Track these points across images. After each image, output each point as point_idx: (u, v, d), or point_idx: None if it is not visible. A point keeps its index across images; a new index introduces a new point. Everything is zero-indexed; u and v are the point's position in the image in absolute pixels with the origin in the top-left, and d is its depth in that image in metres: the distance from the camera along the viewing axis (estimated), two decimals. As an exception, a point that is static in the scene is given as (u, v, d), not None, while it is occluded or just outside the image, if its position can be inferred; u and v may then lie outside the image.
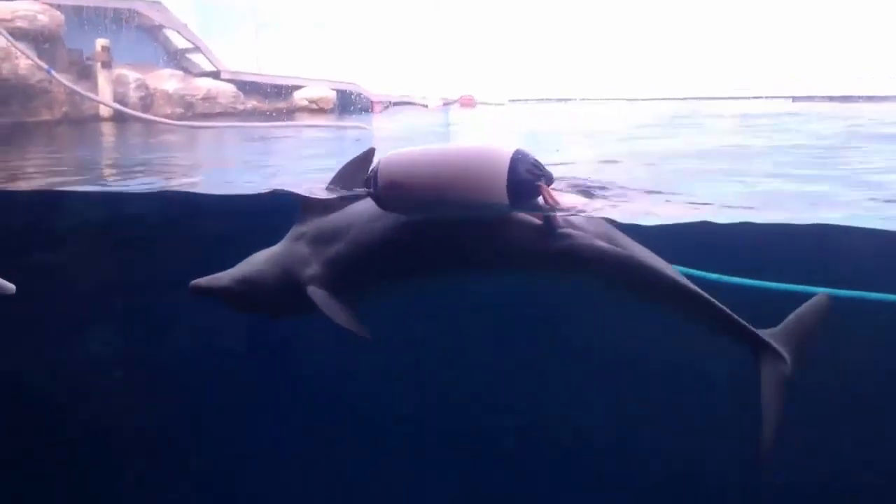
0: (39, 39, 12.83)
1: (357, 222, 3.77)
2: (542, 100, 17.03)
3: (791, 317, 3.83)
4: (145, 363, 5.81)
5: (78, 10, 13.46)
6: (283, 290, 3.81)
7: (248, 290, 3.84)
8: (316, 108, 15.08)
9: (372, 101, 15.29)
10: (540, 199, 3.37)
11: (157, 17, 15.22)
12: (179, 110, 14.05)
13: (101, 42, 13.35)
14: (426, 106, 15.20)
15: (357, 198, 3.85)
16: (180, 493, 5.61)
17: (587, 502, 5.47)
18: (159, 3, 15.05)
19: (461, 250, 3.66)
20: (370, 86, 15.28)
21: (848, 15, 13.86)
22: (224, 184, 6.53)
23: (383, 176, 3.45)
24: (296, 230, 3.94)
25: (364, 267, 3.73)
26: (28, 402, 5.56)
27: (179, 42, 15.67)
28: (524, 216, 3.60)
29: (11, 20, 12.59)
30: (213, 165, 8.62)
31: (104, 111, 13.17)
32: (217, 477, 5.70)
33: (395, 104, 15.34)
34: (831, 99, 15.37)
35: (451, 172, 3.42)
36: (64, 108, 12.99)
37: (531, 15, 15.00)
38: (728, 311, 3.70)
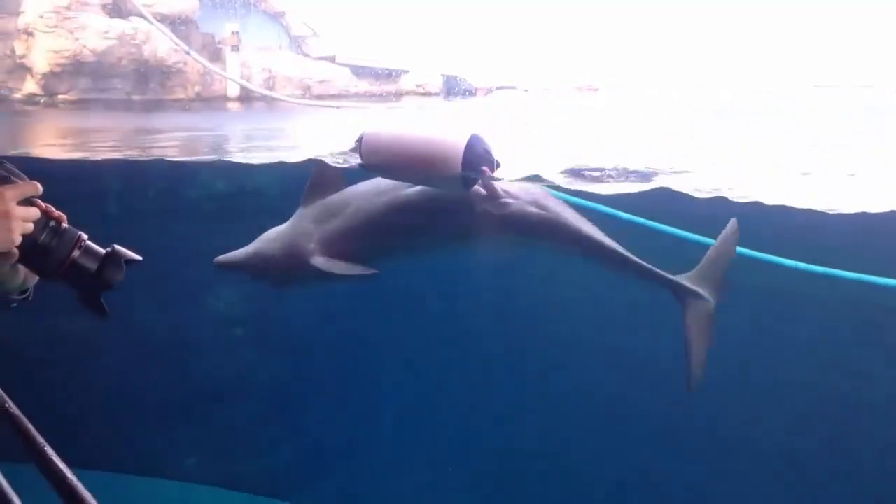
0: (177, 23, 13.19)
1: (352, 203, 4.27)
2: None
3: (705, 256, 4.11)
4: (262, 323, 5.94)
5: (211, -4, 13.79)
6: (290, 262, 4.29)
7: (260, 264, 4.36)
8: (422, 92, 15.06)
9: (475, 86, 15.19)
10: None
11: (280, 4, 15.44)
12: (298, 92, 14.25)
13: (230, 27, 13.65)
14: (526, 91, 15.02)
15: (352, 181, 4.37)
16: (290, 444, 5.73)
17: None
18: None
19: (433, 224, 4.18)
20: (474, 71, 15.17)
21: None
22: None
23: (366, 146, 3.91)
24: (300, 211, 4.39)
25: (357, 240, 4.22)
26: (156, 356, 5.75)
27: (300, 27, 15.86)
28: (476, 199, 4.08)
29: (152, 5, 12.97)
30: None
31: (231, 91, 13.48)
32: (323, 431, 5.79)
33: (498, 89, 15.19)
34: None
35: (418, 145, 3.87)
36: (196, 88, 13.36)
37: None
38: (641, 262, 4.12)
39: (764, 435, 5.06)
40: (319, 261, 4.17)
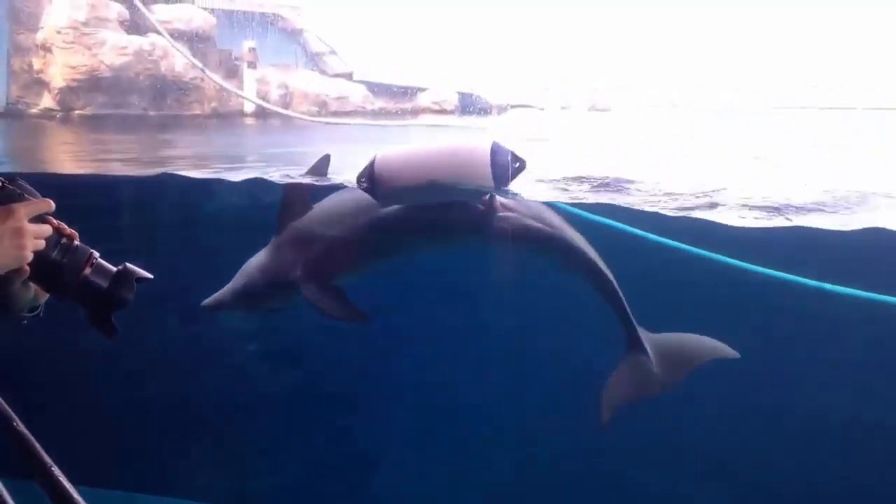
0: (194, 40, 13.33)
1: (327, 223, 4.25)
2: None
3: (684, 335, 4.16)
4: (274, 338, 5.93)
5: (229, 13, 13.90)
6: (276, 293, 4.31)
7: (247, 300, 4.35)
8: (438, 109, 15.12)
9: (490, 104, 15.23)
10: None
11: (297, 21, 15.57)
12: (314, 108, 14.35)
13: (248, 44, 13.78)
14: (542, 109, 15.04)
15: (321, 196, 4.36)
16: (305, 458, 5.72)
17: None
18: (300, 7, 15.39)
19: (423, 231, 4.19)
20: (490, 89, 15.21)
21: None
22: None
23: (380, 173, 3.83)
24: (276, 240, 4.33)
25: (341, 258, 4.22)
26: (165, 373, 5.76)
27: (317, 45, 15.99)
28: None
29: (170, 22, 13.11)
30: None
31: (247, 107, 13.59)
32: (336, 444, 5.77)
33: (514, 107, 15.22)
34: None
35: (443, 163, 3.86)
36: (213, 104, 13.47)
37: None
38: (621, 297, 4.18)
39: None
40: (308, 289, 4.16)
